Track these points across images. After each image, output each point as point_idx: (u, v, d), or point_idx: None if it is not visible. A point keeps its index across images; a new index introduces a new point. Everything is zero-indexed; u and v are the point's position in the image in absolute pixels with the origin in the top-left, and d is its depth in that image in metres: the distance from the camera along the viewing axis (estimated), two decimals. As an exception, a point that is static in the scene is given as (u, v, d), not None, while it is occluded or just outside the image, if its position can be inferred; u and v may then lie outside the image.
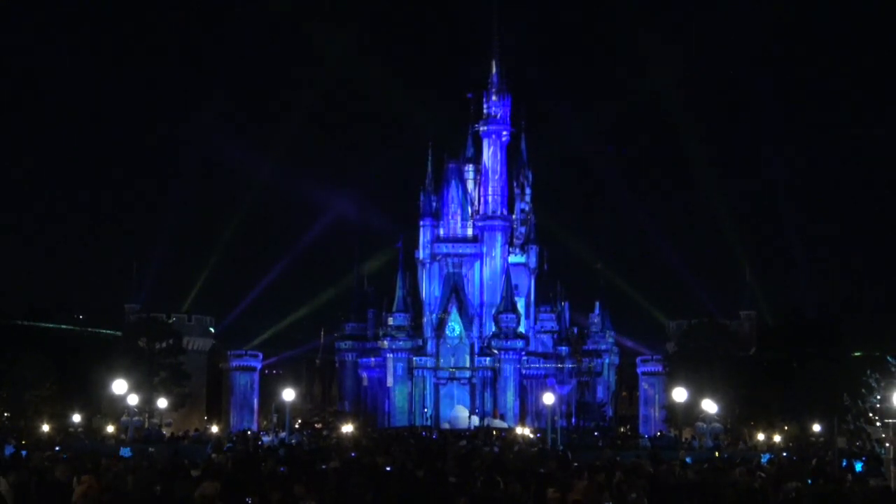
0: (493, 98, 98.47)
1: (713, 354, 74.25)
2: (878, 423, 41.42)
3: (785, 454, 47.58)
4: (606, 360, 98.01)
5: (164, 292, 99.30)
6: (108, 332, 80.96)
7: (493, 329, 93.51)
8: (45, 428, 61.79)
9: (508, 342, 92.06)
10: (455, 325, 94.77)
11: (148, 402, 69.01)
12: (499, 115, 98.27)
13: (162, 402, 71.49)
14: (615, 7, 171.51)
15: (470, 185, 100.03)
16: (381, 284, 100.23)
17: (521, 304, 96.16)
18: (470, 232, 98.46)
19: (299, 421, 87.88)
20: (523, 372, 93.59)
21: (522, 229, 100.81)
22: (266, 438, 60.96)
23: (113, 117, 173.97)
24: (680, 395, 59.66)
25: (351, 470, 25.17)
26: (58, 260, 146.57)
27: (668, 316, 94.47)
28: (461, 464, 28.27)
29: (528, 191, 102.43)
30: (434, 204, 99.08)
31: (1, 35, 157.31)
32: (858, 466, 37.11)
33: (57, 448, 41.92)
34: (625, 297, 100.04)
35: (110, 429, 65.63)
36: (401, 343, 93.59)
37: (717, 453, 46.95)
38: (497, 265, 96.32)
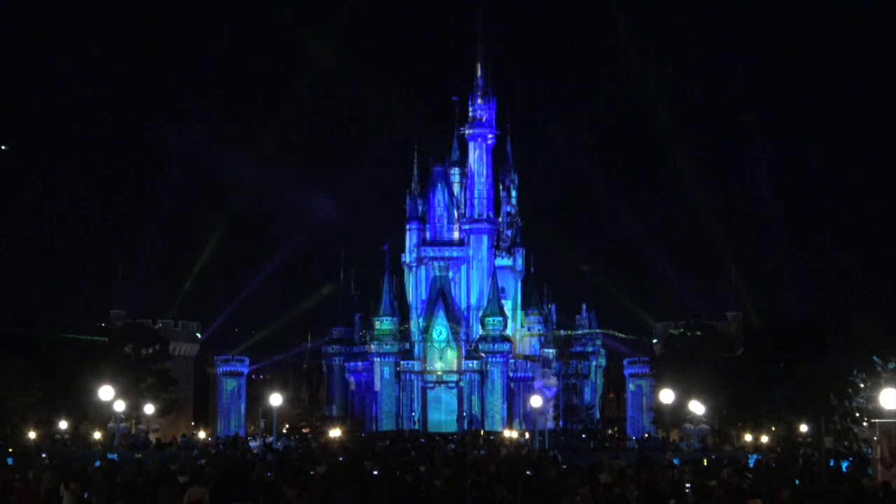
0: (479, 101, 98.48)
1: (700, 356, 74.28)
2: (864, 423, 41.54)
3: (772, 454, 47.70)
4: (593, 363, 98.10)
5: (149, 298, 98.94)
6: (94, 338, 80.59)
7: (480, 332, 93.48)
8: (32, 435, 61.53)
9: (495, 345, 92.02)
10: (442, 329, 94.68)
11: (135, 409, 68.81)
12: (484, 119, 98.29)
13: (149, 408, 71.30)
14: (600, 10, 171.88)
15: (456, 188, 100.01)
16: (368, 288, 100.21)
17: (507, 307, 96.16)
18: (456, 235, 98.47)
19: (286, 426, 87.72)
20: (510, 375, 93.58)
21: (509, 232, 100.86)
22: (253, 444, 60.80)
23: (97, 122, 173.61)
24: (667, 396, 59.74)
25: (339, 475, 25.15)
26: (43, 266, 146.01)
27: (654, 317, 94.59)
28: (449, 468, 28.27)
29: (514, 194, 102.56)
30: (420, 207, 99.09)
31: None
32: (845, 466, 37.24)
33: (43, 455, 41.77)
34: (611, 299, 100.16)
35: (97, 435, 65.44)
36: (388, 347, 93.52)
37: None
38: (483, 268, 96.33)
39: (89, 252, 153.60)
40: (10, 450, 49.29)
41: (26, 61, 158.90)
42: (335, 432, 72.98)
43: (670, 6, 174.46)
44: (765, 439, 65.51)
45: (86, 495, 23.69)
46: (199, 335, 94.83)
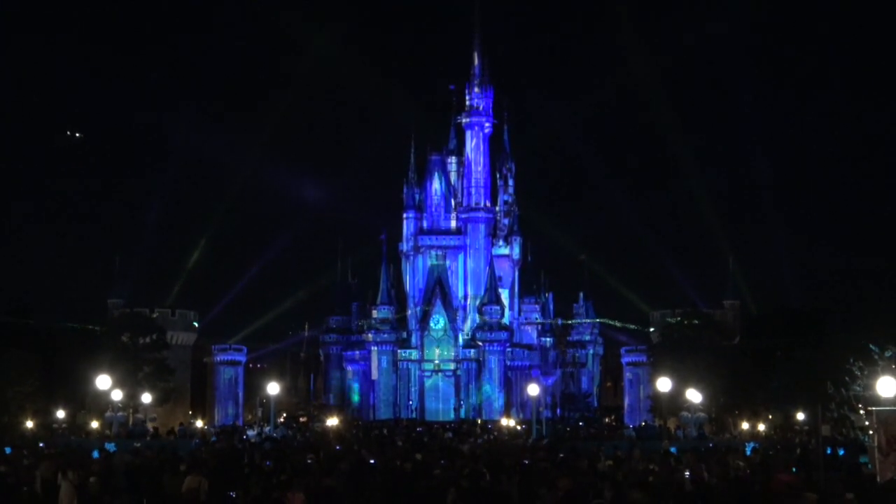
0: (476, 90, 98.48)
1: (697, 344, 74.23)
2: (861, 411, 41.58)
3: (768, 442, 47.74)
4: (591, 351, 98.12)
5: (147, 287, 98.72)
6: (92, 327, 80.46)
7: (478, 321, 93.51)
8: (29, 424, 61.49)
9: (493, 334, 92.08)
10: (439, 318, 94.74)
11: (132, 398, 68.67)
12: (481, 107, 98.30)
13: (146, 398, 71.19)
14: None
15: (453, 177, 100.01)
16: (365, 277, 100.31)
17: (505, 296, 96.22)
18: (453, 224, 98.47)
19: (284, 414, 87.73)
20: (508, 363, 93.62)
21: (506, 221, 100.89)
22: (251, 432, 60.85)
23: (96, 111, 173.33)
24: (664, 384, 59.71)
25: (337, 463, 25.16)
26: (40, 255, 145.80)
27: (651, 306, 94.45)
28: (447, 456, 28.30)
29: (511, 182, 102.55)
30: (417, 196, 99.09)
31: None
32: (842, 454, 37.27)
33: (41, 445, 41.77)
34: (608, 288, 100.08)
35: (94, 424, 65.39)
36: (385, 336, 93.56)
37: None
38: (481, 257, 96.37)
39: (87, 241, 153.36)
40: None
41: (24, 50, 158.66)
42: (332, 421, 73.06)
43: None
44: (762, 427, 65.59)
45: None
46: (196, 324, 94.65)
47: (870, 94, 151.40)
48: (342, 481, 21.50)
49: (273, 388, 62.91)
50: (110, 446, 42.77)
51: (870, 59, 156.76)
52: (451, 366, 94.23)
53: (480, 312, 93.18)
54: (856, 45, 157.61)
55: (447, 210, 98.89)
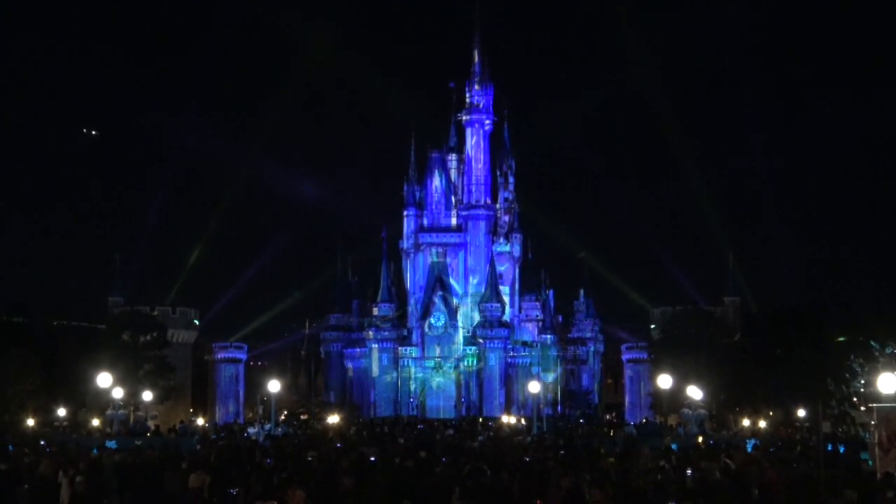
0: (476, 87, 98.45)
1: (698, 341, 74.24)
2: (862, 408, 41.63)
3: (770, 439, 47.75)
4: (591, 348, 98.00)
5: (147, 285, 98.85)
6: (92, 325, 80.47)
7: (478, 318, 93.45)
8: (30, 422, 61.53)
9: (493, 331, 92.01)
10: (440, 315, 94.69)
11: (133, 396, 68.71)
12: (481, 105, 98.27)
13: (147, 395, 71.22)
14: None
15: (453, 174, 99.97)
16: (366, 275, 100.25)
17: (505, 293, 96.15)
18: (454, 221, 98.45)
19: (285, 412, 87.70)
20: (508, 361, 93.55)
21: (506, 218, 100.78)
22: (252, 430, 60.85)
23: (95, 110, 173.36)
24: (665, 381, 59.81)
25: (337, 460, 25.17)
26: (41, 253, 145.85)
27: (652, 303, 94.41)
28: (448, 453, 28.30)
29: (511, 179, 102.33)
30: (417, 193, 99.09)
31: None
32: (843, 451, 37.31)
33: (42, 443, 41.78)
34: (609, 285, 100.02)
35: (95, 422, 65.40)
36: (386, 333, 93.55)
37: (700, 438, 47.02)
38: (481, 254, 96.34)
39: (87, 239, 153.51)
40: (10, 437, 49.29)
41: (25, 51, 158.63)
42: (333, 419, 73.12)
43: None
44: (762, 424, 65.63)
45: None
46: (196, 322, 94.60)
47: (870, 95, 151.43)
48: (344, 479, 21.49)
49: (274, 386, 62.90)
50: (111, 444, 42.74)
51: (870, 59, 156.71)
52: (452, 363, 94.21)
53: (481, 310, 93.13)
54: (856, 45, 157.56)
55: (447, 207, 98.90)
